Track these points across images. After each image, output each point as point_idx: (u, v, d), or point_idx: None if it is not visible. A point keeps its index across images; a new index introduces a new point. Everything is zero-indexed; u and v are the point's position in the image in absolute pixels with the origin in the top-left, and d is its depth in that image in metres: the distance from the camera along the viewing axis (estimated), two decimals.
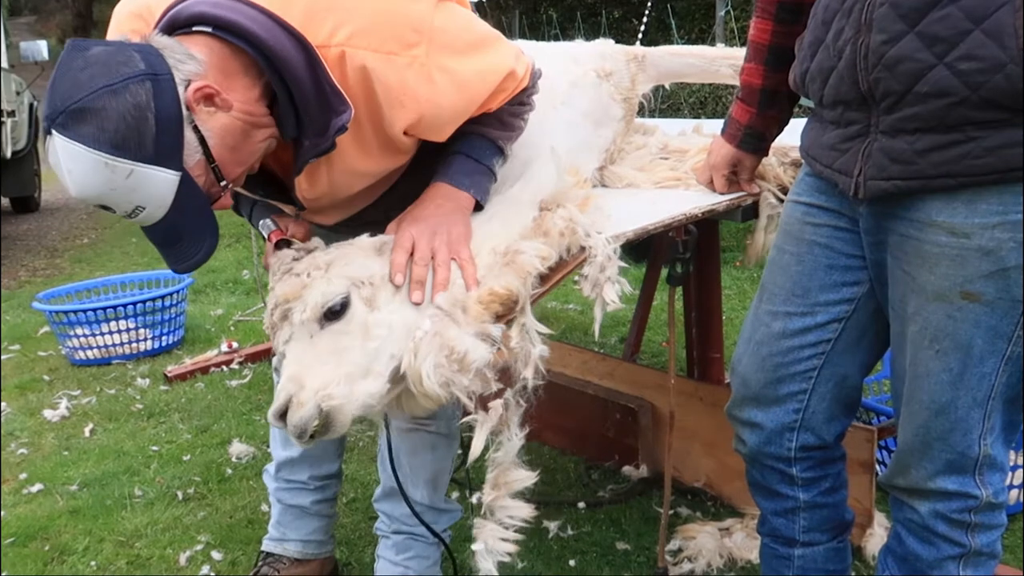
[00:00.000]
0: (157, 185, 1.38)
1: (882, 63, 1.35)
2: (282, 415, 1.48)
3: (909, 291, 1.45)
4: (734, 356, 1.74)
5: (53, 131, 1.34)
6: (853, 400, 1.69)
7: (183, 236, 1.47)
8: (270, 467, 2.26)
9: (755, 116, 1.82)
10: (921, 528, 1.54)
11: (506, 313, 1.58)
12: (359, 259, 1.57)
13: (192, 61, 1.42)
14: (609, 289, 1.64)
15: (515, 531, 1.63)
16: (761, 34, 1.74)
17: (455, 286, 1.58)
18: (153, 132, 1.35)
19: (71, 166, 1.34)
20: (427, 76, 1.54)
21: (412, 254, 1.60)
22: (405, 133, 1.61)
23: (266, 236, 1.73)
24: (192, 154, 1.42)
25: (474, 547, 1.62)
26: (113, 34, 1.54)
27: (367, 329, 1.51)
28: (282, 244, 1.70)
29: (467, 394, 1.52)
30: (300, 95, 1.47)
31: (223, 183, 1.48)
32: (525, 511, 1.63)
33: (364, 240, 1.64)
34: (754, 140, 1.87)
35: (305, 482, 2.22)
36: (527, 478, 1.64)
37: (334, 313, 1.51)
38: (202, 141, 1.43)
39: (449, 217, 1.65)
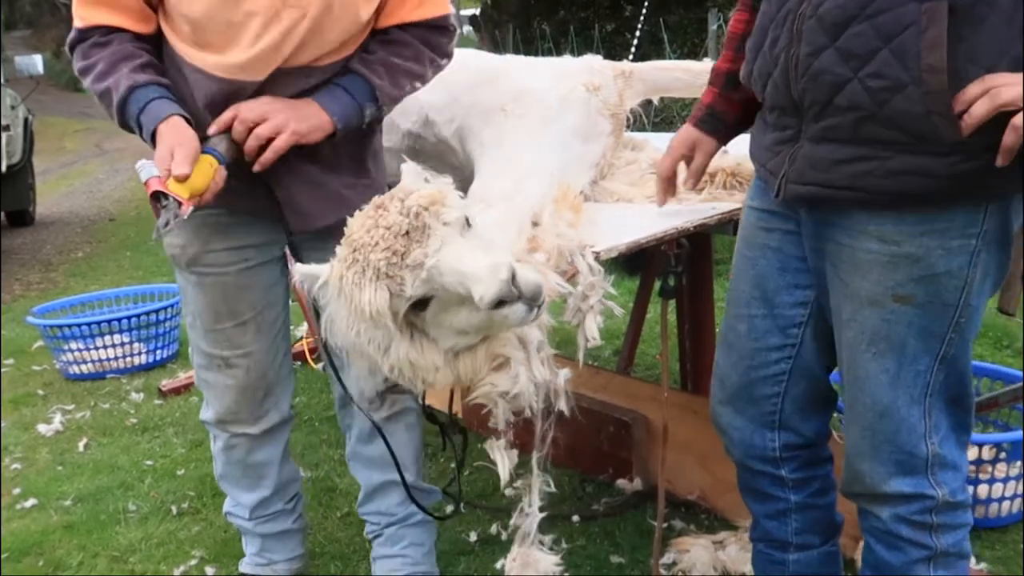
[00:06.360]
0: None
1: (807, 74, 1.42)
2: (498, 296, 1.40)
3: (844, 297, 1.51)
4: (715, 360, 1.79)
5: None
6: (827, 397, 1.74)
7: None
8: (236, 510, 2.27)
9: (717, 96, 1.83)
10: (885, 534, 1.58)
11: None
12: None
13: None
14: (591, 322, 1.66)
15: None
16: (737, 24, 1.79)
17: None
18: None
19: None
20: None
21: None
22: None
23: (143, 181, 1.64)
24: None
25: None
26: None
27: (482, 237, 1.53)
28: (158, 196, 1.62)
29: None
30: None
31: None
32: None
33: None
34: (713, 121, 1.85)
35: (282, 508, 2.27)
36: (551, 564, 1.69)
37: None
38: None
39: (297, 114, 1.77)
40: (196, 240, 1.94)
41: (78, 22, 1.81)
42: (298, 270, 1.62)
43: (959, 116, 1.31)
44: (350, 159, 1.95)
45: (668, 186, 1.93)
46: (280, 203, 1.91)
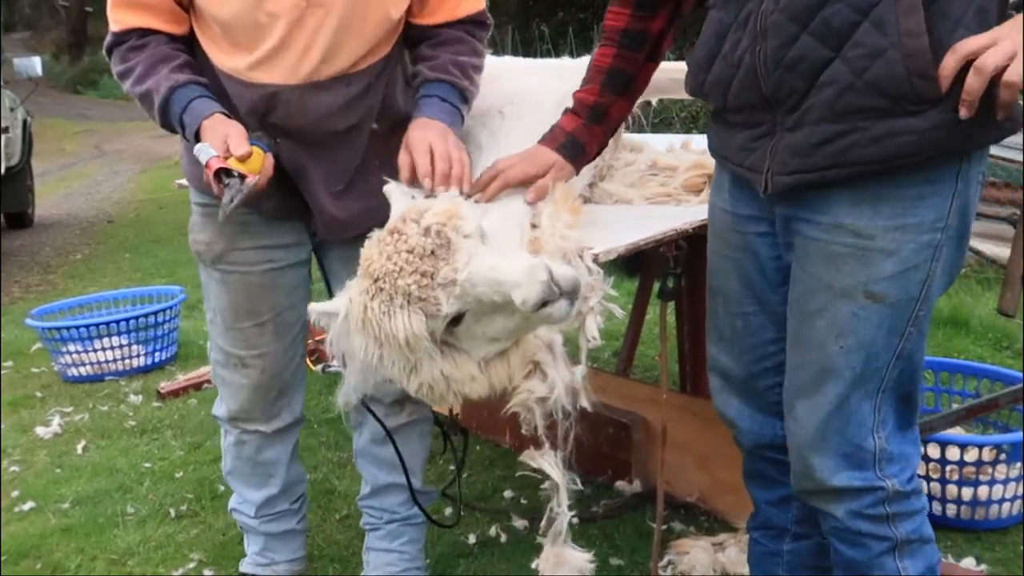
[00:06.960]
0: None
1: (782, 66, 1.43)
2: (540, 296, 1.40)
3: (812, 289, 1.53)
4: (709, 356, 1.79)
5: None
6: None
7: None
8: (242, 507, 2.28)
9: (581, 126, 1.80)
10: (845, 532, 1.59)
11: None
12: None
13: None
14: (591, 323, 1.65)
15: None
16: (602, 58, 1.78)
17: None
18: None
19: None
20: None
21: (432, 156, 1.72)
22: None
23: (204, 163, 1.67)
24: None
25: None
26: None
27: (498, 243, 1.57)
28: (222, 174, 1.66)
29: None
30: None
31: None
32: None
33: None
34: (573, 148, 1.81)
35: (287, 508, 2.27)
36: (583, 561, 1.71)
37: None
38: None
39: (443, 129, 1.79)
40: (222, 237, 1.95)
41: (114, 26, 1.83)
42: (313, 310, 1.62)
43: (952, 86, 1.33)
44: (378, 165, 1.93)
45: (501, 189, 1.76)
46: (311, 211, 1.92)
